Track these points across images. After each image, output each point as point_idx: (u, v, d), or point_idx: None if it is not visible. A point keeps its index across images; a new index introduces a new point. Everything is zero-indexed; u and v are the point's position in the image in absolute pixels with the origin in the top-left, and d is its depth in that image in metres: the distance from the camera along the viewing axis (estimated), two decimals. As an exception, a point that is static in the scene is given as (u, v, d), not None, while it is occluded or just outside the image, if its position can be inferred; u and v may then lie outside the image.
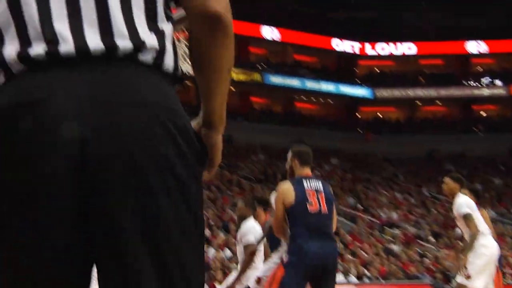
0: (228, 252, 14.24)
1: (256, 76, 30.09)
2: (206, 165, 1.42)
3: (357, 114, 34.12)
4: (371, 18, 33.66)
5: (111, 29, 1.24)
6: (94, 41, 1.22)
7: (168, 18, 1.35)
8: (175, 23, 1.39)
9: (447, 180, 6.16)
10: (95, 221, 1.16)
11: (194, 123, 1.43)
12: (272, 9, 32.06)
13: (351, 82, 32.74)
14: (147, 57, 1.26)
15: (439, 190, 14.44)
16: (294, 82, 31.24)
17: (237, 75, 28.39)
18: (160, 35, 1.30)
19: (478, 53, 33.26)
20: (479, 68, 34.17)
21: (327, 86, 31.86)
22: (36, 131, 1.16)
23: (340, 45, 32.67)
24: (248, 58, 31.26)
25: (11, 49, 1.23)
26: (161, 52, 1.29)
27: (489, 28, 32.48)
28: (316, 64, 33.63)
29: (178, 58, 1.39)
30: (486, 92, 32.88)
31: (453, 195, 5.94)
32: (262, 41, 31.13)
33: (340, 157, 28.95)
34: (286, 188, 4.58)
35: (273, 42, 31.31)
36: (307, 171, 4.75)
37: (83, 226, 1.16)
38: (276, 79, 30.56)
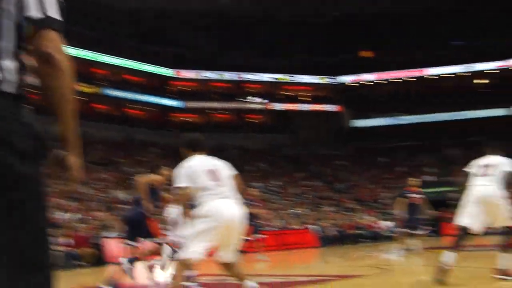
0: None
1: (97, 90, 32.66)
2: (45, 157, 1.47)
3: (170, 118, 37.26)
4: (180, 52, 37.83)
5: None
6: None
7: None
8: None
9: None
10: None
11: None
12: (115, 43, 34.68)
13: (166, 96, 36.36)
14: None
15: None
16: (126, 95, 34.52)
17: (83, 88, 30.34)
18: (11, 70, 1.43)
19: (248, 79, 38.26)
20: (249, 90, 39.04)
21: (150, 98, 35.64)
22: None
23: (158, 70, 36.42)
24: (94, 76, 33.56)
25: None
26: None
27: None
28: (143, 83, 36.10)
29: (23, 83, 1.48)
30: (252, 105, 38.23)
31: None
32: (104, 64, 34.07)
33: (157, 147, 31.44)
34: None
35: (112, 65, 34.23)
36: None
37: None
38: (113, 92, 33.80)
